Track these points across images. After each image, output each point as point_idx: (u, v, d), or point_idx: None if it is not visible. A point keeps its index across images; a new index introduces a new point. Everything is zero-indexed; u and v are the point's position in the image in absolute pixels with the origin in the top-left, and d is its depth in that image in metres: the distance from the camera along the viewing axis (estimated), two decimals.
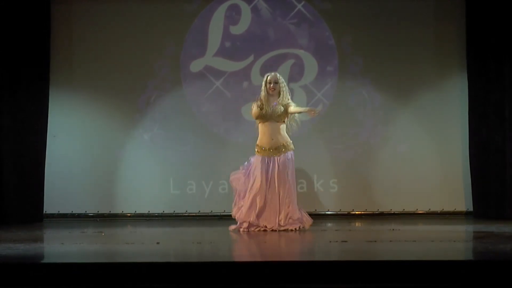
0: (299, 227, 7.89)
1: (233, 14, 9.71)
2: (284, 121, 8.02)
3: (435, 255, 5.82)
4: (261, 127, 8.04)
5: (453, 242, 6.74)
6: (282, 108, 7.96)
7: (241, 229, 7.89)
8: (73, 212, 9.64)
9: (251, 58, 9.65)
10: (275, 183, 7.88)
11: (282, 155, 7.92)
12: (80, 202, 9.60)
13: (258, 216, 7.85)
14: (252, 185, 7.92)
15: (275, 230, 7.80)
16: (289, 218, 7.84)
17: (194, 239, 7.23)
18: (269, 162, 7.93)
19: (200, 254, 6.27)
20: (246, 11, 9.70)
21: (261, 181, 7.88)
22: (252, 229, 7.85)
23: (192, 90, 9.70)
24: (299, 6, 9.66)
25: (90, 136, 9.68)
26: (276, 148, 7.94)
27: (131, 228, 8.59)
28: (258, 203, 7.85)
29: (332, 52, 9.66)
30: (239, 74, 9.64)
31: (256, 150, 8.03)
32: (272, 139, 7.95)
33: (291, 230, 7.81)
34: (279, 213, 7.84)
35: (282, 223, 7.82)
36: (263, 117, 7.97)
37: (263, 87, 8.07)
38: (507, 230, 7.60)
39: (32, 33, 9.35)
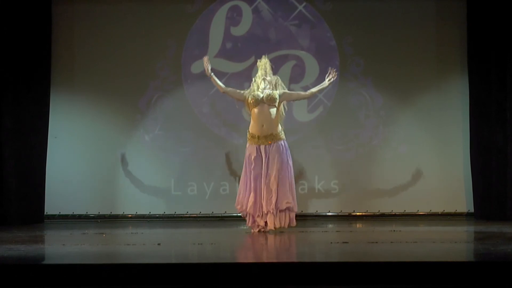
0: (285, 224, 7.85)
1: (235, 15, 9.72)
2: (275, 106, 7.89)
3: (436, 256, 5.81)
4: (252, 113, 7.96)
5: (454, 243, 6.74)
6: (276, 93, 7.88)
7: (252, 227, 7.88)
8: (74, 213, 9.64)
9: (252, 59, 9.64)
10: (267, 170, 7.82)
11: (272, 144, 7.85)
12: (81, 203, 9.61)
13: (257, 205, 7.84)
14: (250, 180, 7.89)
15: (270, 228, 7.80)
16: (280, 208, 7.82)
17: (195, 240, 7.23)
18: (261, 151, 7.88)
19: (201, 255, 6.27)
20: (247, 12, 9.71)
21: (257, 174, 7.84)
22: (256, 218, 7.84)
23: (193, 91, 9.71)
24: (300, 7, 9.66)
25: (91, 137, 9.68)
26: (265, 137, 7.86)
27: (132, 229, 8.60)
28: (257, 195, 7.83)
29: (333, 53, 9.66)
30: (240, 75, 9.63)
31: (247, 137, 7.99)
32: (263, 126, 7.87)
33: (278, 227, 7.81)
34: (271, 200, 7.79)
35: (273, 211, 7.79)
36: (255, 100, 7.88)
37: (258, 73, 8.02)
38: (508, 231, 7.60)
39: (33, 34, 9.35)
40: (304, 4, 9.65)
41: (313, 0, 9.65)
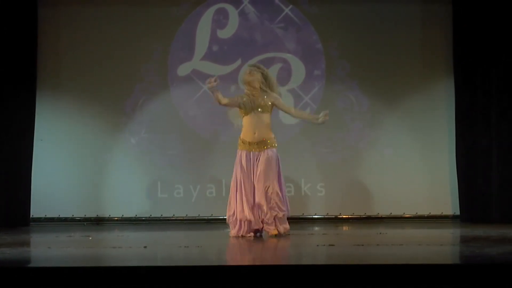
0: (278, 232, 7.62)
1: (221, 18, 9.72)
2: (268, 112, 7.75)
3: (422, 259, 5.83)
4: (244, 120, 7.77)
5: (440, 246, 6.76)
6: (268, 101, 7.72)
7: (240, 234, 7.66)
8: (60, 216, 9.61)
9: (238, 62, 9.65)
10: (256, 179, 7.61)
11: (264, 151, 7.66)
12: (67, 206, 9.57)
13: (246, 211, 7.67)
14: (236, 185, 7.70)
15: (260, 231, 7.70)
16: (272, 216, 7.64)
17: (182, 243, 7.22)
18: (251, 158, 7.67)
19: (188, 258, 6.26)
20: (233, 15, 9.71)
21: (242, 179, 7.62)
22: (244, 227, 7.65)
23: (180, 94, 9.70)
24: (287, 10, 9.68)
25: (77, 139, 9.65)
26: (258, 143, 7.67)
27: (118, 232, 8.57)
28: (243, 200, 7.61)
29: (320, 56, 9.68)
30: (226, 78, 9.61)
31: (238, 143, 7.77)
32: (255, 133, 7.69)
33: (271, 235, 7.62)
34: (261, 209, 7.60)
35: (266, 219, 7.60)
36: (245, 108, 7.72)
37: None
38: (493, 234, 7.62)
39: (18, 37, 9.32)
40: (290, 7, 9.67)
41: (299, 3, 9.67)
